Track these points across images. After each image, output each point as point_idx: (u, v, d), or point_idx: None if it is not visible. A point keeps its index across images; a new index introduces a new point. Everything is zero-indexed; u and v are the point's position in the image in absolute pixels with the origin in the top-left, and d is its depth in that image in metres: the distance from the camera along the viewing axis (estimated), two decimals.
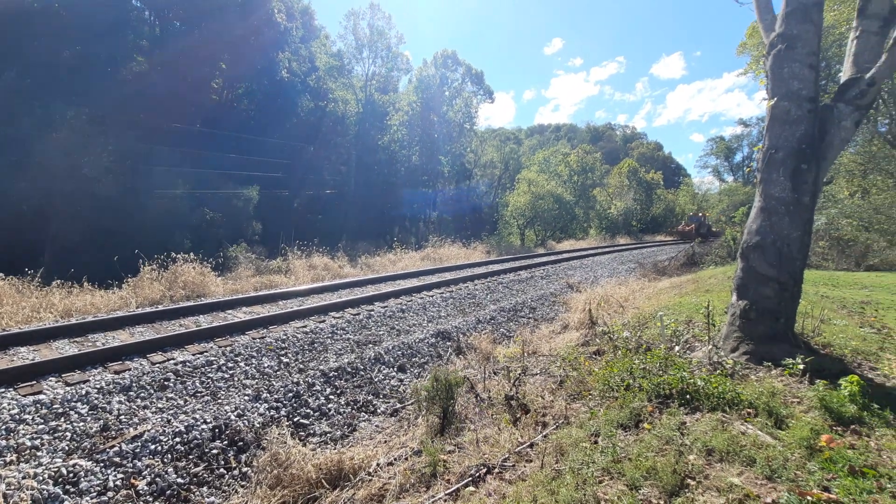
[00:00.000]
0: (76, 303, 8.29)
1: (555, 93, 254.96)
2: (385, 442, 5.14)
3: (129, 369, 5.49)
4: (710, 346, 4.91)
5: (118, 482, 3.93)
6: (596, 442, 3.35)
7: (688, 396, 3.84)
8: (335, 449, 4.99)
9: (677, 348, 5.20)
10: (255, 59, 26.30)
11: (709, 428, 3.29)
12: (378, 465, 4.24)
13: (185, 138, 22.63)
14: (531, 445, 3.58)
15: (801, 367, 4.03)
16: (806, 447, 2.99)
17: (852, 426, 3.33)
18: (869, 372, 4.51)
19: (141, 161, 20.18)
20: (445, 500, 2.97)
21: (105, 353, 5.72)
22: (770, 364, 4.37)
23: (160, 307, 8.20)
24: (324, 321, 8.11)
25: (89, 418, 4.54)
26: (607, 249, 26.43)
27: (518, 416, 4.41)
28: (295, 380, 6.04)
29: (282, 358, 6.56)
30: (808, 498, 2.44)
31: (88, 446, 4.20)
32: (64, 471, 3.85)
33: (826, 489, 2.57)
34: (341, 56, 35.44)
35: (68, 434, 4.26)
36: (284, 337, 7.15)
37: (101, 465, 4.03)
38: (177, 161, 21.61)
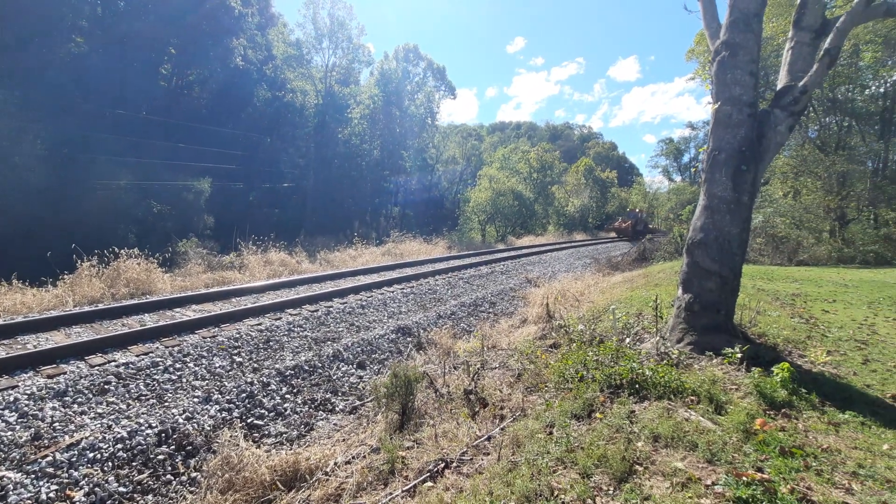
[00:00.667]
0: (4, 302, 7.61)
1: (516, 91, 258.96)
2: (343, 440, 5.06)
3: (65, 373, 5.10)
4: (658, 338, 5.16)
5: (52, 494, 3.65)
6: (551, 433, 3.44)
7: (637, 386, 4.01)
8: (291, 450, 4.87)
9: (628, 340, 5.43)
10: (208, 44, 25.02)
11: (656, 416, 3.46)
12: (336, 464, 4.18)
13: (131, 126, 21.23)
14: (489, 438, 3.63)
15: (739, 355, 4.31)
16: (742, 431, 3.20)
17: (783, 410, 3.59)
18: (798, 359, 4.88)
19: (79, 149, 18.74)
20: (403, 497, 2.96)
21: (36, 355, 5.29)
22: (712, 353, 4.65)
23: (100, 306, 7.67)
24: (280, 318, 7.87)
25: (18, 427, 4.19)
26: (565, 245, 27.20)
27: (477, 409, 4.46)
28: (249, 379, 5.83)
29: (235, 357, 6.31)
30: (744, 478, 2.61)
31: (17, 457, 3.88)
32: None
33: (760, 469, 2.75)
34: (300, 45, 34.37)
35: None
36: (238, 335, 6.88)
37: (33, 476, 3.74)
38: (120, 150, 20.23)
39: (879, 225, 18.74)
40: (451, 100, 41.65)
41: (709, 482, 2.67)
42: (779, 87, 5.29)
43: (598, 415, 3.65)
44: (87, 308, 7.47)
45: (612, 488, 2.70)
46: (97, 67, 19.46)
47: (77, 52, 19.27)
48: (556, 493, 2.65)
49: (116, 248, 9.92)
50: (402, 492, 3.05)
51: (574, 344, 5.56)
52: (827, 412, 3.62)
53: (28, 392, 4.61)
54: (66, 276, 8.75)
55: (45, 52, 18.11)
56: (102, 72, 19.67)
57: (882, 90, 20.27)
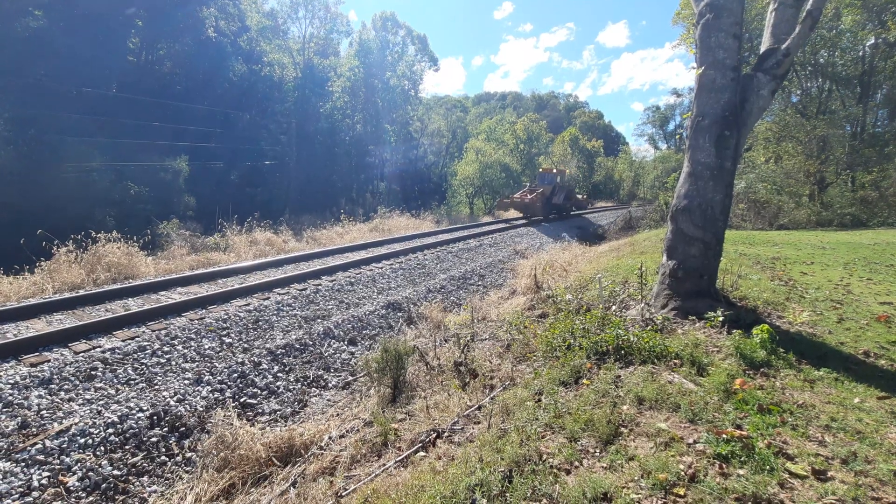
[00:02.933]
0: None
1: (504, 59, 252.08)
2: (337, 415, 5.13)
3: (48, 361, 5.03)
4: (643, 304, 5.26)
5: (44, 481, 3.65)
6: (539, 400, 3.52)
7: (623, 352, 4.11)
8: (286, 426, 4.92)
9: (614, 308, 5.52)
10: (176, 15, 23.83)
11: (640, 379, 3.55)
12: (330, 438, 4.24)
13: (101, 105, 20.34)
14: (479, 408, 3.70)
15: (721, 319, 4.42)
16: (723, 391, 3.32)
17: (762, 369, 3.72)
18: (777, 320, 5.03)
19: (47, 130, 17.94)
20: (396, 468, 3.03)
21: (17, 344, 5.19)
22: (695, 318, 4.76)
23: (81, 292, 7.51)
24: (268, 298, 7.82)
25: (4, 416, 4.14)
26: (553, 216, 27.27)
27: (467, 380, 4.53)
28: (239, 360, 5.83)
29: (224, 338, 6.28)
30: (724, 436, 2.72)
31: (5, 446, 3.85)
32: None
33: (739, 427, 2.86)
34: (275, 16, 32.96)
35: None
36: (226, 317, 6.83)
37: (22, 464, 3.73)
38: (91, 130, 19.44)
39: (856, 188, 19.14)
40: (434, 71, 40.49)
41: (690, 441, 2.77)
42: (762, 49, 5.25)
43: (584, 381, 3.73)
44: (67, 294, 7.32)
45: (598, 450, 2.79)
46: (59, 42, 18.42)
47: (36, 25, 18.19)
48: (544, 457, 2.73)
49: (94, 232, 9.66)
50: (395, 462, 3.11)
51: (561, 313, 5.64)
52: (803, 370, 3.76)
53: (11, 381, 4.55)
54: (43, 263, 8.51)
55: (2, 27, 17.05)
56: (65, 47, 18.64)
57: (861, 54, 20.33)
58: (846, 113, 20.30)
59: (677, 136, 61.23)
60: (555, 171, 26.41)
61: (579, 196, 29.10)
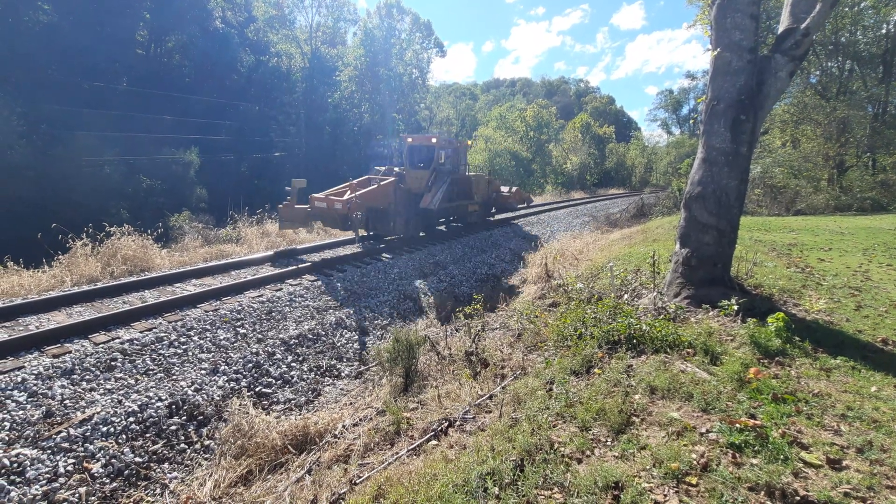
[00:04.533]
0: (1, 285, 7.60)
1: (515, 44, 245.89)
2: (350, 404, 5.21)
3: (70, 352, 5.17)
4: (656, 293, 5.21)
5: (69, 467, 3.78)
6: (551, 390, 3.53)
7: (634, 341, 4.09)
8: (300, 415, 5.02)
9: (626, 296, 5.48)
10: (184, 6, 23.83)
11: (652, 369, 3.54)
12: (343, 426, 4.31)
13: (113, 99, 20.54)
14: (490, 397, 3.73)
15: (735, 307, 4.37)
16: (737, 380, 3.29)
17: (777, 358, 3.68)
18: (793, 308, 4.95)
19: (60, 126, 18.19)
20: (409, 456, 3.07)
21: (40, 336, 5.33)
22: (708, 306, 4.71)
23: (99, 284, 7.67)
24: (281, 289, 7.91)
25: (29, 406, 4.28)
26: (563, 204, 27.05)
27: (478, 370, 4.56)
28: (254, 350, 5.93)
29: (238, 329, 6.39)
30: (737, 425, 2.70)
31: (32, 434, 3.99)
32: (6, 461, 3.65)
33: (752, 416, 2.84)
34: (281, 5, 32.83)
35: (6, 424, 4.01)
36: (240, 308, 6.93)
37: (49, 451, 3.85)
38: (103, 124, 19.66)
39: (877, 171, 18.62)
40: (441, 57, 39.97)
41: (703, 430, 2.76)
42: (780, 29, 5.08)
43: (596, 370, 3.73)
44: (86, 287, 7.48)
45: (609, 439, 2.79)
46: (69, 38, 18.58)
47: (46, 20, 18.35)
48: (556, 446, 2.74)
49: (109, 226, 9.82)
50: (408, 451, 3.16)
51: (573, 302, 5.62)
52: (819, 358, 3.71)
53: (35, 372, 4.69)
54: (60, 257, 8.70)
55: (11, 22, 17.22)
56: (76, 43, 18.80)
57: (884, 31, 19.60)
58: (868, 93, 19.67)
59: (691, 121, 59.89)
60: (436, 140, 13.48)
61: (505, 191, 17.31)
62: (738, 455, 2.51)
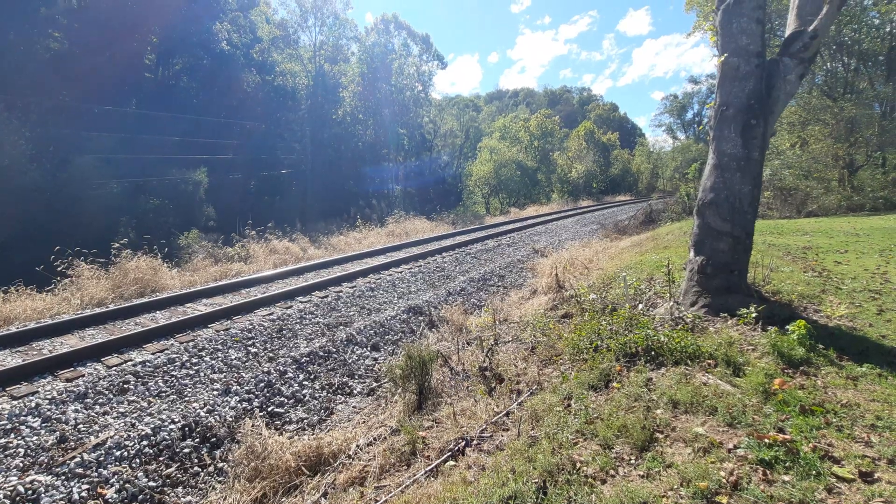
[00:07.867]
0: (14, 309, 7.67)
1: (521, 53, 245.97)
2: (363, 422, 5.13)
3: (83, 375, 5.17)
4: (672, 302, 5.12)
5: (83, 493, 3.74)
6: (569, 405, 3.45)
7: (653, 353, 4.00)
8: (313, 435, 4.95)
9: (641, 306, 5.39)
10: (190, 30, 24.37)
11: (673, 382, 3.45)
12: (357, 447, 4.24)
13: (120, 121, 20.93)
14: (507, 414, 3.65)
15: (754, 315, 4.27)
16: (762, 392, 3.19)
17: (801, 367, 3.57)
18: (813, 314, 4.83)
19: (70, 149, 18.54)
20: (426, 478, 3.00)
21: (53, 360, 5.35)
22: (726, 315, 4.61)
23: (111, 307, 7.72)
24: (291, 307, 7.90)
25: (43, 431, 4.27)
26: (570, 213, 26.97)
27: (493, 385, 4.48)
28: (265, 369, 5.89)
29: (249, 348, 6.37)
30: (766, 440, 2.61)
31: (46, 460, 3.96)
32: (21, 489, 3.62)
33: (781, 430, 2.75)
34: (285, 25, 33.42)
35: (21, 450, 4.00)
36: (250, 326, 6.92)
37: (63, 478, 3.82)
38: (113, 147, 20.01)
39: (888, 170, 18.36)
40: (441, 70, 40.27)
41: (730, 446, 2.67)
42: (787, 33, 5.05)
43: (615, 384, 3.64)
44: (98, 310, 7.53)
45: (634, 458, 2.71)
46: (79, 63, 19.03)
47: (56, 48, 18.81)
48: (578, 466, 2.66)
49: (119, 247, 9.92)
50: (425, 472, 3.08)
51: (586, 314, 5.53)
52: (845, 367, 3.60)
53: (49, 397, 4.69)
54: (72, 278, 8.79)
55: (23, 50, 17.67)
56: (84, 66, 19.24)
57: (888, 29, 19.48)
58: (875, 92, 19.49)
59: (697, 126, 59.67)
60: None
61: None
62: (768, 472, 2.42)
